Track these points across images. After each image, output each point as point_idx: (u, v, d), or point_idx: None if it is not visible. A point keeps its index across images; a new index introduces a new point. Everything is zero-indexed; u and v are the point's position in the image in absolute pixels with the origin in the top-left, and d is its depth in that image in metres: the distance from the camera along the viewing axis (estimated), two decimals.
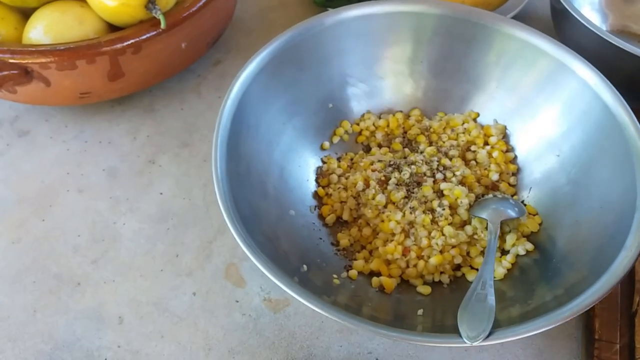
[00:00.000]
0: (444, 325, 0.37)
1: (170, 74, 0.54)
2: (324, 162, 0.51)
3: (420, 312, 0.40)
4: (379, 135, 0.52)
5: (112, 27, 0.51)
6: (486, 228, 0.45)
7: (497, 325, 0.34)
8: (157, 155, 0.53)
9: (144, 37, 0.48)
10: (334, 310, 0.33)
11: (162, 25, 0.48)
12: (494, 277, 0.43)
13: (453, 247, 0.44)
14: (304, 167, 0.50)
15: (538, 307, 0.36)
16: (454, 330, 0.34)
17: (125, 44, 0.48)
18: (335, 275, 0.43)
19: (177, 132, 0.55)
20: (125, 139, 0.54)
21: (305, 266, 0.41)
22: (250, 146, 0.44)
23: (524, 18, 0.66)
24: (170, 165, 0.52)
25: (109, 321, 0.43)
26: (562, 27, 0.59)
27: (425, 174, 0.47)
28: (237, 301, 0.44)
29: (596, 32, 0.52)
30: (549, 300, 0.36)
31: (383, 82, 0.52)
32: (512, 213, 0.44)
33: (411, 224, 0.45)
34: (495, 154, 0.49)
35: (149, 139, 0.54)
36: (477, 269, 0.44)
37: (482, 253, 0.45)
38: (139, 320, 0.43)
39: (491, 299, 0.35)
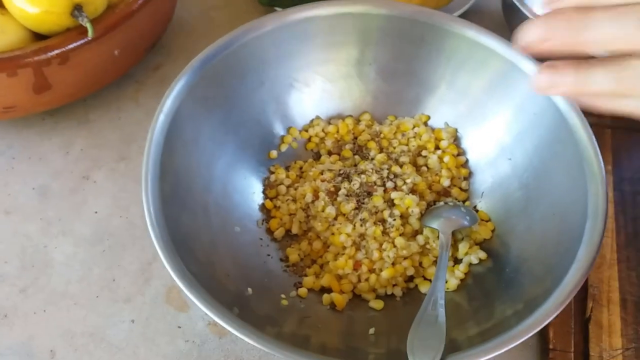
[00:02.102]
0: (399, 350, 0.35)
1: (103, 83, 0.51)
2: (271, 172, 0.48)
3: (372, 330, 0.39)
4: (329, 142, 0.50)
5: (38, 36, 0.47)
6: (438, 237, 0.43)
7: (455, 347, 0.33)
8: (92, 170, 0.50)
9: (70, 46, 0.45)
10: (277, 345, 0.31)
11: (90, 35, 0.44)
12: (447, 289, 0.42)
13: (405, 258, 0.43)
14: (250, 179, 0.47)
15: (497, 324, 0.35)
16: (406, 357, 0.33)
17: (50, 54, 0.44)
18: (283, 296, 0.41)
19: (114, 144, 0.51)
20: (58, 154, 0.51)
21: (250, 289, 0.39)
22: (188, 162, 0.41)
23: (476, 12, 0.65)
24: (106, 181, 0.49)
25: (40, 356, 0.40)
26: (513, 22, 0.58)
27: (375, 183, 0.45)
28: (180, 327, 0.42)
29: None
30: (507, 316, 0.35)
31: (331, 86, 0.50)
32: (463, 222, 0.43)
33: (362, 236, 0.43)
34: (446, 158, 0.47)
35: (83, 153, 0.51)
36: (430, 280, 0.43)
37: (435, 263, 0.43)
38: (73, 354, 0.40)
39: (442, 321, 0.34)
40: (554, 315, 0.32)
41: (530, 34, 0.25)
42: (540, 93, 0.33)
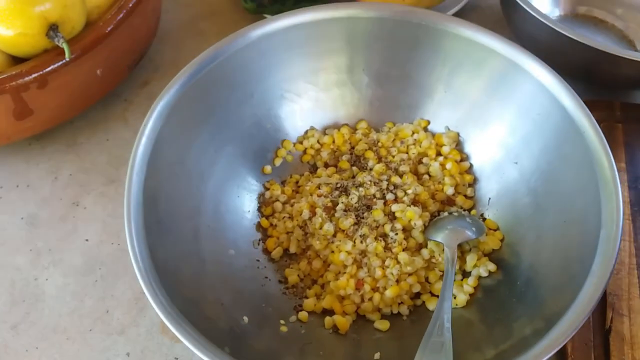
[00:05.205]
0: None
1: (87, 104, 0.49)
2: (266, 189, 0.46)
3: (377, 356, 0.37)
4: (325, 154, 0.47)
5: (16, 59, 0.46)
6: (444, 251, 0.41)
7: None
8: (81, 196, 0.48)
9: (48, 69, 0.43)
10: None
11: (67, 56, 0.42)
12: (456, 305, 0.39)
13: (410, 274, 0.40)
14: (244, 197, 0.45)
15: (514, 345, 0.32)
16: None
17: (27, 78, 0.42)
18: (282, 321, 0.39)
19: (103, 167, 0.49)
20: (46, 180, 0.49)
21: (246, 318, 0.37)
22: (176, 186, 0.39)
23: (474, 9, 0.62)
24: (95, 207, 0.47)
25: None
26: (512, 17, 0.55)
27: (374, 196, 0.43)
28: (177, 358, 0.40)
29: (546, 22, 0.48)
30: (525, 334, 0.33)
31: (324, 94, 0.48)
32: (469, 234, 0.40)
33: (363, 253, 0.41)
34: (448, 165, 0.45)
35: (71, 178, 0.49)
36: (437, 296, 0.40)
37: (442, 277, 0.41)
38: None
39: (449, 348, 0.31)
40: (572, 334, 0.30)
41: None
42: None
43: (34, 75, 0.42)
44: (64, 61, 0.43)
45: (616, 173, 0.35)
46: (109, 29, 0.46)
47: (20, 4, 0.41)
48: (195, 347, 0.30)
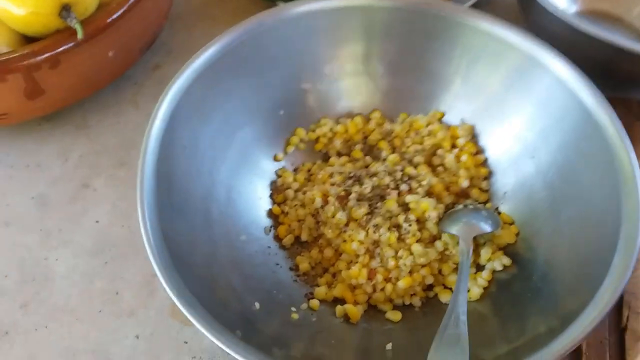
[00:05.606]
0: None
1: (99, 86, 0.48)
2: (278, 176, 0.46)
3: (389, 346, 0.36)
4: (338, 143, 0.47)
5: (29, 38, 0.45)
6: (458, 244, 0.41)
7: None
8: (91, 177, 0.48)
9: (61, 49, 0.42)
10: None
11: (79, 36, 0.42)
12: (470, 298, 0.39)
13: (423, 266, 0.40)
14: (256, 184, 0.45)
15: (527, 342, 0.32)
16: None
17: (39, 58, 0.42)
18: (294, 309, 0.38)
19: (113, 150, 0.49)
20: (56, 161, 0.49)
21: (257, 304, 0.37)
22: (188, 169, 0.39)
23: (489, 2, 0.61)
24: (106, 189, 0.47)
25: None
26: (528, 12, 0.54)
27: (388, 186, 0.42)
28: (186, 342, 0.40)
29: (563, 18, 0.47)
30: (539, 332, 0.32)
31: (338, 83, 0.47)
32: (485, 227, 0.40)
33: (376, 243, 0.41)
34: (463, 157, 0.44)
35: (82, 160, 0.49)
36: (450, 289, 0.40)
37: (456, 270, 0.41)
38: None
39: (465, 341, 0.31)
40: (587, 335, 0.30)
41: None
42: None
43: (46, 55, 0.42)
44: (77, 41, 0.43)
45: (637, 169, 0.35)
46: (121, 11, 0.45)
47: None
48: (206, 329, 0.30)
